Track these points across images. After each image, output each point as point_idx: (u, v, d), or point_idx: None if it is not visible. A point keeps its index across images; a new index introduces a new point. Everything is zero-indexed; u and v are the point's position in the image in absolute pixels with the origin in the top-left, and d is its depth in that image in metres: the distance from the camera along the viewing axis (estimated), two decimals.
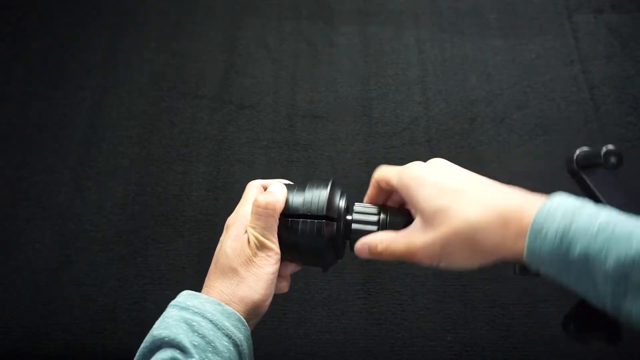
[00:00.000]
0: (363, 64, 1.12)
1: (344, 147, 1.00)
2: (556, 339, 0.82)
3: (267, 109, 1.06)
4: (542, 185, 1.08)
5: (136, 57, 1.14)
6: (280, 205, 0.42)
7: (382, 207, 0.42)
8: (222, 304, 0.38)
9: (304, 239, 0.42)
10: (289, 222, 0.43)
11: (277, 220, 0.42)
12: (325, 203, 0.42)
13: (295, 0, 1.21)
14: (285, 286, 0.45)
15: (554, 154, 0.99)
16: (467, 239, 0.33)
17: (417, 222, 0.37)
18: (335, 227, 0.42)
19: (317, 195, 0.43)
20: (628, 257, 0.26)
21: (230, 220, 0.44)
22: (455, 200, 0.34)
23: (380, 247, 0.38)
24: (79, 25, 1.18)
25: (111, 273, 0.89)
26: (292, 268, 0.45)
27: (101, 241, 0.92)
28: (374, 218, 0.42)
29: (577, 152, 0.41)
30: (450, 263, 0.35)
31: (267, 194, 0.42)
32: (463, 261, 0.34)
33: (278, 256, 0.41)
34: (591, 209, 0.29)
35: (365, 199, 0.45)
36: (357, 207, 0.43)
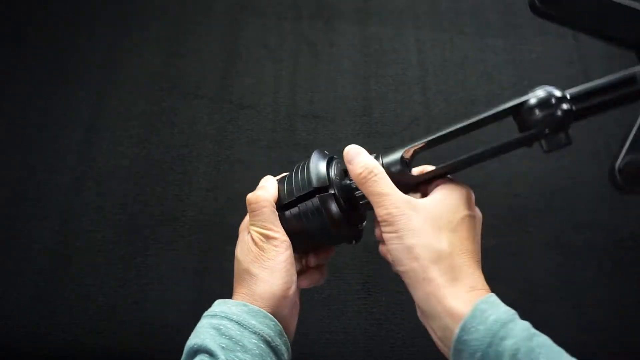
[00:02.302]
0: (363, 64, 1.12)
1: (344, 147, 1.00)
2: (556, 339, 0.82)
3: (267, 109, 1.06)
4: (542, 185, 1.08)
5: (136, 57, 1.14)
6: (269, 194, 0.42)
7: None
8: (247, 304, 0.38)
9: (307, 222, 0.41)
10: (288, 212, 0.42)
11: (274, 210, 0.42)
12: (312, 177, 0.41)
13: (295, 0, 1.21)
14: (317, 278, 0.45)
15: (553, 154, 0.99)
16: (433, 251, 0.36)
17: (418, 200, 0.38)
18: (330, 196, 0.40)
19: (303, 173, 0.42)
20: None
21: (239, 230, 0.45)
22: (465, 232, 0.38)
23: (376, 169, 0.39)
24: (79, 25, 1.18)
25: (111, 273, 0.89)
26: (319, 258, 0.45)
27: (101, 241, 0.92)
28: None
29: (619, 161, 0.32)
30: (396, 242, 0.37)
31: (256, 189, 0.43)
32: (405, 255, 0.37)
33: (286, 244, 0.41)
34: (523, 321, 0.32)
35: None
36: None
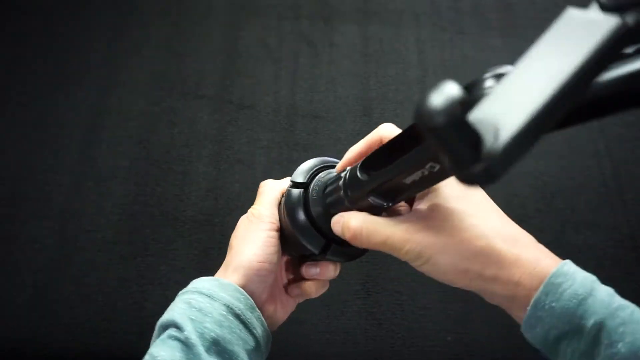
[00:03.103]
0: (363, 64, 1.12)
1: (344, 147, 1.00)
2: None
3: (267, 109, 1.06)
4: (542, 185, 1.08)
5: (136, 57, 1.14)
6: (276, 182, 0.44)
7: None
8: (219, 279, 0.39)
9: (286, 217, 0.40)
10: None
11: (275, 197, 0.42)
12: (296, 174, 0.41)
13: (295, 0, 1.21)
14: (310, 291, 0.45)
15: (554, 154, 0.99)
16: (475, 254, 0.30)
17: (415, 213, 0.33)
18: (296, 192, 0.39)
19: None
20: None
21: None
22: (482, 213, 0.32)
23: (354, 223, 0.34)
24: (79, 25, 1.18)
25: (111, 273, 0.89)
26: (317, 271, 0.45)
27: (101, 241, 0.92)
28: (339, 175, 0.37)
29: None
30: (435, 268, 0.32)
31: None
32: (452, 274, 0.31)
33: (272, 225, 0.41)
34: (606, 287, 0.29)
35: (351, 154, 0.39)
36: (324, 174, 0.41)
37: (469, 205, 0.32)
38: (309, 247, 0.39)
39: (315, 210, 0.39)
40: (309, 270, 0.44)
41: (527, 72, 0.22)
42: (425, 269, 0.32)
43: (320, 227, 0.39)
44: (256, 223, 0.41)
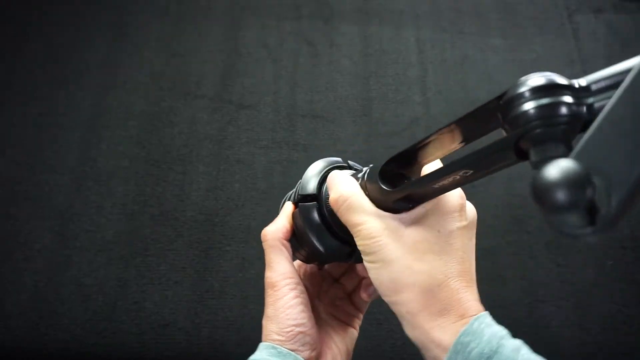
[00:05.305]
0: (363, 64, 1.12)
1: (344, 147, 1.00)
2: (556, 339, 0.82)
3: (267, 109, 1.06)
4: None
5: (136, 57, 1.14)
6: (276, 227, 0.39)
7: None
8: (276, 346, 0.36)
9: (297, 229, 0.39)
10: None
11: (281, 244, 0.39)
12: (302, 186, 0.39)
13: (295, 0, 1.21)
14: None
15: None
16: (424, 286, 0.31)
17: (406, 216, 0.33)
18: (309, 207, 0.37)
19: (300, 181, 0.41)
20: None
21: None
22: (466, 248, 0.33)
23: (343, 188, 0.34)
24: (79, 25, 1.18)
25: (111, 273, 0.89)
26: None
27: (101, 241, 0.92)
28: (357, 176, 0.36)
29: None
30: (388, 270, 0.31)
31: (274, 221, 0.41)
32: (389, 284, 0.31)
33: (291, 280, 0.38)
34: (515, 341, 0.30)
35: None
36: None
37: (444, 238, 0.32)
38: (336, 259, 0.39)
39: (333, 220, 0.37)
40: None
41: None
42: (368, 267, 0.32)
43: (341, 236, 0.38)
44: (272, 295, 0.38)
